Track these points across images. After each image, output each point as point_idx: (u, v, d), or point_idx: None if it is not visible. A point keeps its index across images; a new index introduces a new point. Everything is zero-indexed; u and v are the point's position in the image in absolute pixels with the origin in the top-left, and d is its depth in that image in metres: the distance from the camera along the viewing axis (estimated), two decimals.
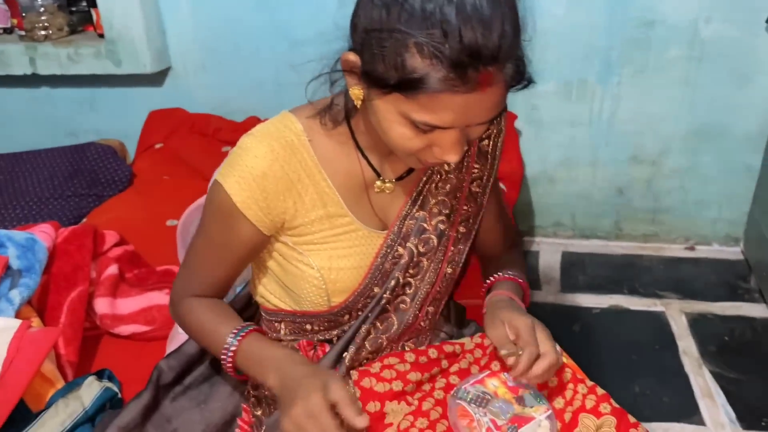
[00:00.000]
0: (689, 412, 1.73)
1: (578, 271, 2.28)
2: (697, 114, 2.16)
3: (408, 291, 1.04)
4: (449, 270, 1.06)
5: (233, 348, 0.98)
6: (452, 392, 0.95)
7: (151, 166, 2.16)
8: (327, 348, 1.05)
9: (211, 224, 1.00)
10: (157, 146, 2.25)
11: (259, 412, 1.11)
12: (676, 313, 2.06)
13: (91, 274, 1.46)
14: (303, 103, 0.97)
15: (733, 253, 2.32)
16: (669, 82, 2.12)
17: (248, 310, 1.19)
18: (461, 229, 1.06)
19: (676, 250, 2.36)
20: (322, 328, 1.05)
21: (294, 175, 0.94)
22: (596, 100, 2.18)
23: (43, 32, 2.29)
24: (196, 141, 2.22)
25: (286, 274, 1.02)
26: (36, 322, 1.27)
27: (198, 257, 1.05)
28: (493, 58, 0.75)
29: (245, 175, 0.93)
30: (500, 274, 1.11)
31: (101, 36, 2.26)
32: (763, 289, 2.10)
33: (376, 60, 0.78)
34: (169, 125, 2.28)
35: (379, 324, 1.03)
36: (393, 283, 1.01)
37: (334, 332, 1.05)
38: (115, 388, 1.25)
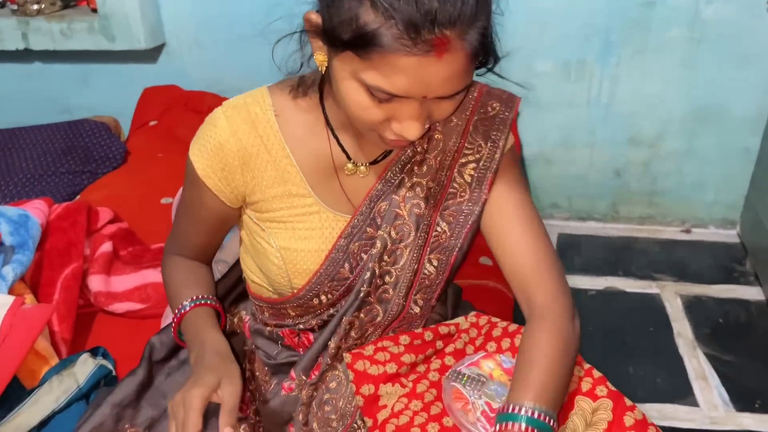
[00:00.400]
0: (683, 393, 1.74)
1: (574, 252, 2.27)
2: (695, 96, 2.14)
3: (388, 280, 0.99)
4: (435, 260, 0.99)
5: (182, 311, 1.02)
6: (447, 374, 0.95)
7: (146, 144, 2.15)
8: (311, 337, 1.05)
9: (185, 189, 1.02)
10: (152, 123, 2.23)
11: (252, 387, 1.11)
12: (672, 296, 2.07)
13: (85, 251, 1.45)
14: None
15: (729, 236, 2.32)
16: (668, 63, 2.11)
17: (240, 285, 1.19)
18: (446, 216, 0.99)
19: (673, 233, 2.35)
20: (298, 314, 1.04)
21: (252, 149, 0.93)
22: (595, 80, 2.17)
23: (35, 6, 2.25)
24: (191, 118, 2.20)
25: (255, 251, 1.02)
26: (29, 298, 1.26)
27: (179, 220, 1.08)
28: (451, 22, 0.71)
29: (205, 144, 0.94)
30: (515, 407, 0.84)
31: (94, 11, 2.23)
32: (758, 272, 2.10)
33: (333, 16, 0.76)
34: (163, 102, 2.25)
35: (362, 315, 1.01)
36: (369, 274, 0.97)
37: (313, 321, 1.03)
38: (110, 366, 1.25)
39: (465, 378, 0.93)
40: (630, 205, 2.37)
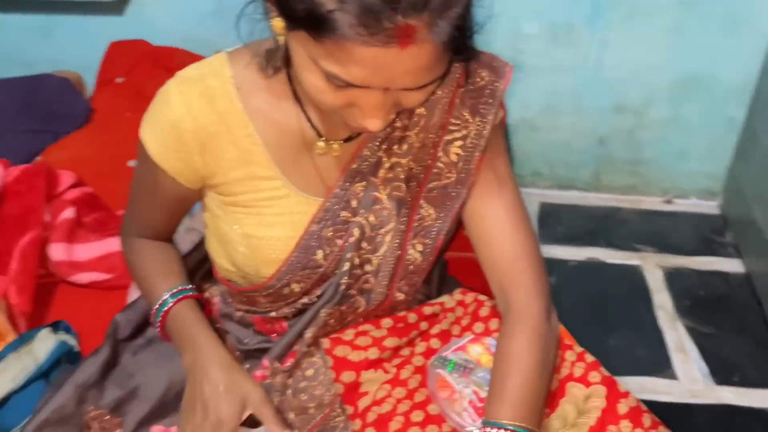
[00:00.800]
0: (662, 366, 1.73)
1: (555, 222, 2.23)
2: (683, 63, 2.09)
3: (369, 269, 0.92)
4: (419, 245, 0.92)
5: (165, 308, 0.95)
6: (432, 359, 0.90)
7: (112, 102, 2.03)
8: (285, 325, 0.98)
9: (139, 169, 0.94)
10: (118, 80, 2.12)
11: None
12: (653, 267, 2.04)
13: (45, 218, 1.36)
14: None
15: (710, 207, 2.29)
16: (657, 28, 2.04)
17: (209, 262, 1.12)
18: (431, 199, 0.91)
19: (654, 203, 2.32)
20: (270, 301, 0.96)
21: (211, 128, 0.84)
22: (582, 45, 2.09)
23: None
24: (161, 76, 2.04)
25: (218, 234, 0.94)
26: None
27: (135, 200, 1.00)
28: (417, 9, 0.62)
29: (158, 123, 0.86)
30: (492, 426, 0.79)
31: None
32: (739, 244, 2.09)
33: None
34: (130, 58, 2.13)
35: (344, 308, 0.94)
36: (347, 265, 0.90)
37: (287, 309, 0.96)
38: (72, 341, 1.18)
39: (451, 364, 0.88)
40: (613, 174, 2.33)
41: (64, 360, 1.13)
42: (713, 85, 2.11)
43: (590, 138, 2.27)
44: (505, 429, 0.78)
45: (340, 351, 0.90)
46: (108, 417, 1.00)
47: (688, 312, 1.88)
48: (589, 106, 2.20)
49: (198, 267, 1.11)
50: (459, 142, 0.90)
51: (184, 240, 1.34)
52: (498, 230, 0.91)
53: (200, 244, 1.12)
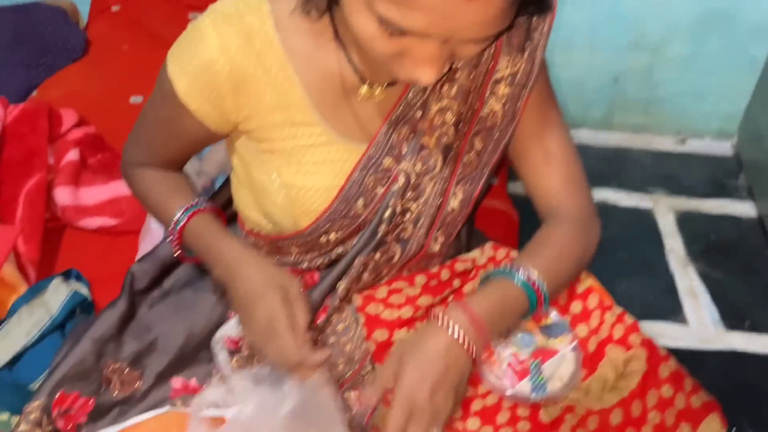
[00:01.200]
0: (673, 311, 1.73)
1: None
2: None
3: (408, 217, 0.89)
4: (459, 192, 0.89)
5: (180, 224, 0.89)
6: None
7: (108, 32, 1.92)
8: (316, 277, 0.94)
9: (157, 101, 0.87)
10: (114, 9, 2.00)
11: None
12: (664, 210, 2.01)
13: (49, 160, 1.30)
14: None
15: (724, 148, 2.24)
16: None
17: (229, 209, 1.07)
18: (477, 143, 0.89)
19: (667, 144, 2.27)
20: (302, 251, 0.92)
21: (249, 69, 0.78)
22: None
23: None
24: (158, 4, 1.98)
25: (252, 186, 0.89)
26: None
27: (146, 128, 0.93)
28: None
29: (189, 61, 0.79)
30: (515, 266, 0.82)
31: None
32: (753, 187, 2.05)
33: None
34: None
35: (377, 255, 0.90)
36: (389, 212, 0.86)
37: (319, 260, 0.92)
38: (85, 290, 1.14)
39: None
40: (625, 113, 2.26)
41: (78, 311, 1.09)
42: (736, 22, 2.03)
43: (604, 76, 2.20)
44: (525, 272, 0.81)
45: (373, 309, 0.87)
46: (127, 370, 0.98)
47: (700, 256, 1.86)
48: (604, 42, 2.12)
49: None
50: (507, 82, 0.86)
51: (196, 185, 1.29)
52: (548, 166, 0.91)
53: (219, 193, 1.07)
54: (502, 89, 0.87)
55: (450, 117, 0.86)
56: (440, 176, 0.87)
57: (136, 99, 1.65)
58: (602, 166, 2.17)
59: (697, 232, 1.94)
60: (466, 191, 0.90)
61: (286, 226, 0.88)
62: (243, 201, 0.94)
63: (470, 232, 1.07)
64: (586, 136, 2.29)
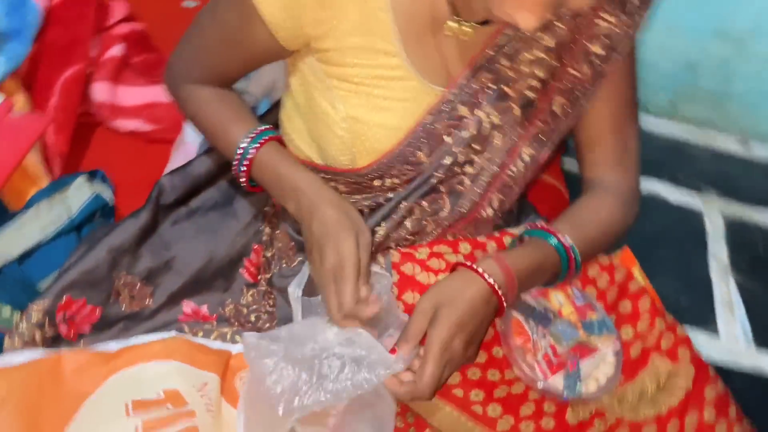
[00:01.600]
0: (705, 319, 1.65)
1: None
2: None
3: (468, 170, 0.82)
4: (526, 155, 0.83)
5: (249, 156, 0.83)
6: None
7: None
8: None
9: (226, 7, 0.79)
10: None
11: (269, 254, 0.97)
12: (715, 213, 1.91)
13: (91, 52, 1.23)
14: None
15: None
16: None
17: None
18: (559, 100, 0.82)
19: (730, 144, 2.15)
20: (348, 190, 0.86)
21: None
22: None
23: None
24: None
25: (311, 113, 0.82)
26: (21, 101, 1.07)
27: (204, 39, 0.85)
28: None
29: None
30: (552, 229, 0.81)
31: None
32: None
33: None
34: None
35: (425, 204, 0.84)
36: (449, 160, 0.80)
37: (365, 202, 0.86)
38: (108, 194, 1.09)
39: (530, 309, 0.79)
40: (693, 104, 2.14)
41: (98, 214, 1.05)
42: None
43: (678, 61, 2.07)
44: (563, 237, 0.79)
45: (409, 268, 0.80)
46: (139, 286, 0.94)
47: (743, 267, 1.77)
48: (685, 24, 1.99)
49: None
50: (603, 39, 0.80)
51: None
52: (608, 138, 0.88)
53: (266, 115, 1.00)
54: (597, 48, 0.80)
55: (539, 71, 0.79)
56: (513, 132, 0.81)
57: (189, 3, 1.56)
58: (658, 156, 2.06)
59: (745, 241, 1.85)
60: (534, 155, 0.84)
61: (342, 161, 0.82)
62: (295, 128, 0.87)
63: (522, 205, 1.00)
64: (646, 122, 2.17)
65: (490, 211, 0.86)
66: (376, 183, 0.83)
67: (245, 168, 0.83)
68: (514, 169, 0.83)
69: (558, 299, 0.80)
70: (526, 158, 0.83)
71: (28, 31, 1.11)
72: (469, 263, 0.75)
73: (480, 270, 0.74)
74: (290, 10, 0.73)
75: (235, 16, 0.77)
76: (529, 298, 0.80)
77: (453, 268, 0.77)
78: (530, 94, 0.80)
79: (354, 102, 0.77)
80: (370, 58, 0.75)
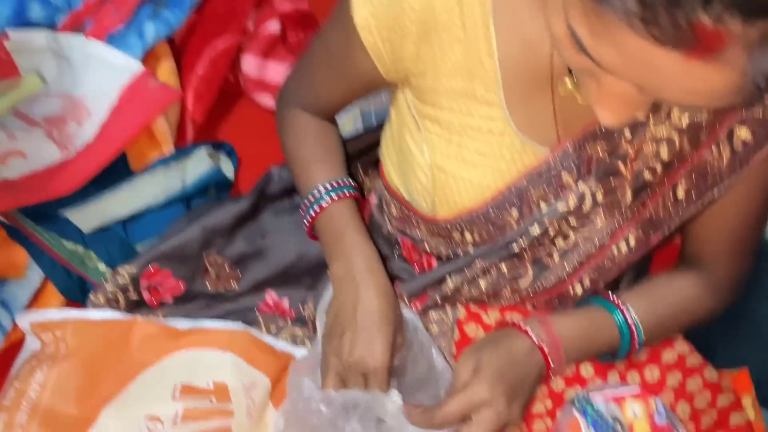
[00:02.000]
0: None
1: None
2: None
3: (560, 244, 0.73)
4: (633, 239, 0.73)
5: (322, 203, 0.81)
6: (575, 395, 0.70)
7: None
8: (434, 263, 0.82)
9: (330, 29, 0.77)
10: None
11: None
12: None
13: (248, 26, 1.25)
14: None
15: None
16: None
17: (371, 153, 0.96)
18: (680, 190, 0.70)
19: None
20: (428, 232, 0.80)
21: (444, 17, 0.65)
22: None
23: None
24: None
25: (399, 145, 0.78)
26: (168, 68, 1.10)
27: (312, 62, 0.83)
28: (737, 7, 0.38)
29: None
30: (621, 303, 0.75)
31: None
32: None
33: None
34: None
35: (504, 267, 0.76)
36: (538, 230, 0.72)
37: (442, 248, 0.80)
38: (230, 170, 1.11)
39: (595, 414, 0.68)
40: None
41: (214, 189, 1.07)
42: None
43: None
44: (629, 313, 0.73)
45: (472, 329, 0.74)
46: (228, 268, 0.95)
47: None
48: None
49: (363, 153, 0.97)
50: (754, 126, 0.67)
51: (341, 117, 1.19)
52: (725, 220, 0.75)
53: (367, 135, 0.97)
54: (744, 132, 0.68)
55: (664, 152, 0.68)
56: (619, 215, 0.71)
57: None
58: None
59: None
60: (642, 239, 0.73)
61: (423, 207, 0.77)
62: (389, 157, 0.83)
63: (638, 279, 0.88)
64: None
65: (579, 290, 0.76)
66: (456, 235, 0.77)
67: (314, 213, 0.82)
68: (615, 252, 0.73)
69: (634, 410, 0.68)
70: (632, 243, 0.73)
71: (188, 1, 1.14)
72: (512, 321, 0.70)
73: (524, 327, 0.69)
74: (391, 41, 0.68)
75: (339, 41, 0.74)
76: (600, 399, 0.69)
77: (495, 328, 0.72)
78: (647, 177, 0.69)
79: (443, 150, 0.71)
80: (468, 106, 0.68)
